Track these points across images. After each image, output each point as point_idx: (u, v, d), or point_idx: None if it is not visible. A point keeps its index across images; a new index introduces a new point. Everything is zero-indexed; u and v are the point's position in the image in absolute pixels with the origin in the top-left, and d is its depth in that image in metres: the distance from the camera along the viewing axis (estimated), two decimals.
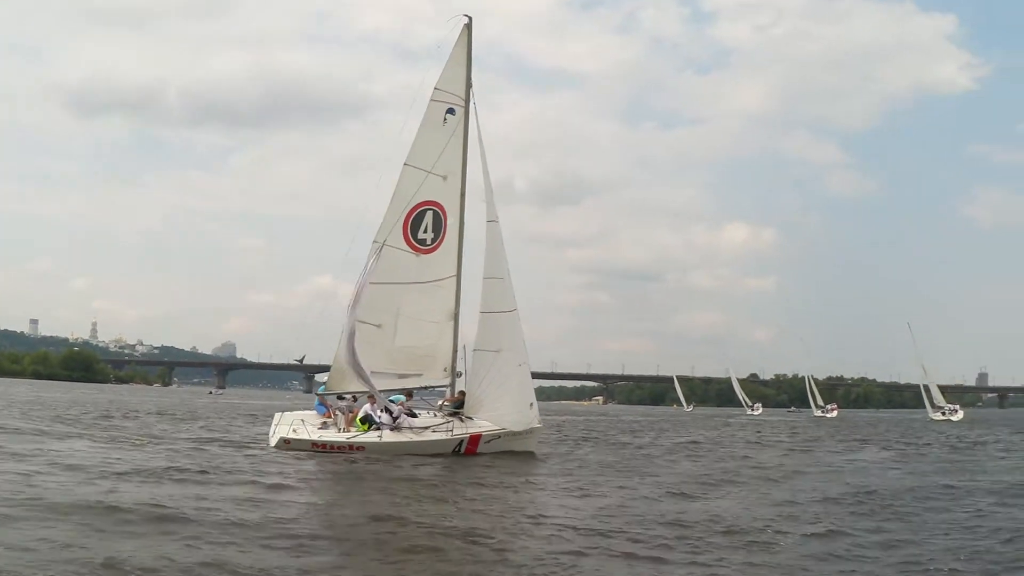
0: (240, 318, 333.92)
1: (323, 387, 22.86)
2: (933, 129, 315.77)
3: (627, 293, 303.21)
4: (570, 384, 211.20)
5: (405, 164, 21.94)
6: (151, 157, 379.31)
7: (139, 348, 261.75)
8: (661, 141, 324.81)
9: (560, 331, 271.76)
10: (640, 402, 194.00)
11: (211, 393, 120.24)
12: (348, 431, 20.71)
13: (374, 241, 21.58)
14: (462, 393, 21.89)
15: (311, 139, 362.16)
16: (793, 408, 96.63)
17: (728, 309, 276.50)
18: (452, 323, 22.54)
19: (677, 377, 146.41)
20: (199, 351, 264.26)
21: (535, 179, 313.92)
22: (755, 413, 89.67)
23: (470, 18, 22.43)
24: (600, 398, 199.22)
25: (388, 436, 20.07)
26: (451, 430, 20.51)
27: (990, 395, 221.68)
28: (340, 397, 22.36)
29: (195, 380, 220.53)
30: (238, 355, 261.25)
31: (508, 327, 21.56)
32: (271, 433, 21.53)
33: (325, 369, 23.11)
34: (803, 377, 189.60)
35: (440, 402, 22.53)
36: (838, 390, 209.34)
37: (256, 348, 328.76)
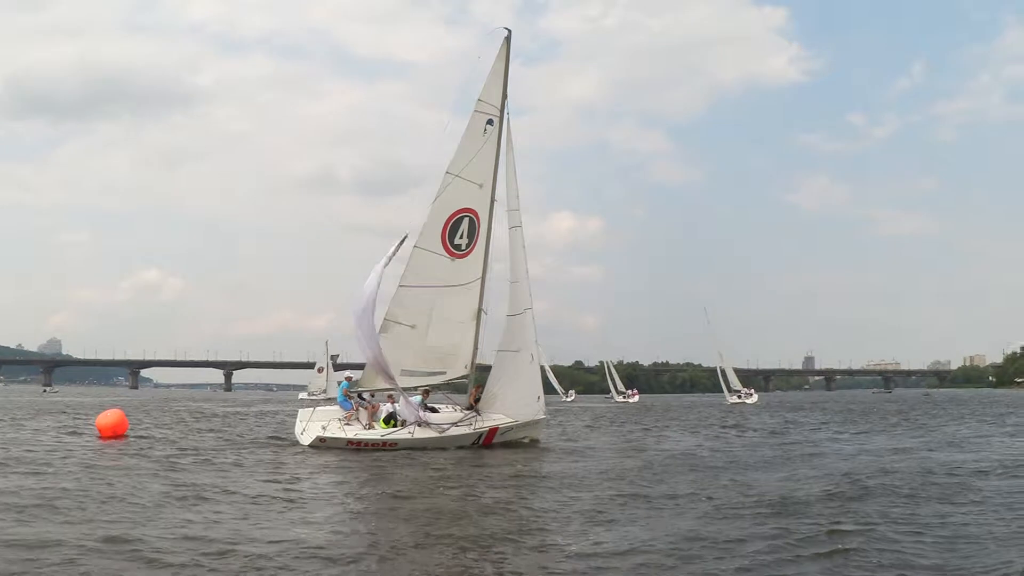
0: (64, 314, 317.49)
1: (345, 384, 23.53)
2: (760, 119, 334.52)
3: None
4: None
5: (447, 172, 22.88)
6: None
7: None
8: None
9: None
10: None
11: (45, 391, 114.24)
12: (371, 427, 21.92)
13: (415, 246, 22.59)
14: (479, 387, 23.28)
15: (135, 131, 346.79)
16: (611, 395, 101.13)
17: (555, 298, 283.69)
18: (475, 322, 23.68)
19: None
20: (24, 348, 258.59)
21: (359, 169, 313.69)
22: (568, 399, 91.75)
23: (509, 31, 23.44)
24: None
25: (418, 432, 21.45)
26: (473, 425, 22.08)
27: (817, 378, 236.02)
28: (360, 396, 23.22)
29: (22, 378, 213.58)
30: (64, 352, 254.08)
31: (526, 327, 23.12)
32: (300, 431, 22.23)
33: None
34: (632, 363, 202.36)
35: (469, 396, 23.49)
36: (663, 375, 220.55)
37: (82, 344, 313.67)
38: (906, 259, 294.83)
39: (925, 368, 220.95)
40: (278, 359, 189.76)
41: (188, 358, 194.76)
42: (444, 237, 22.96)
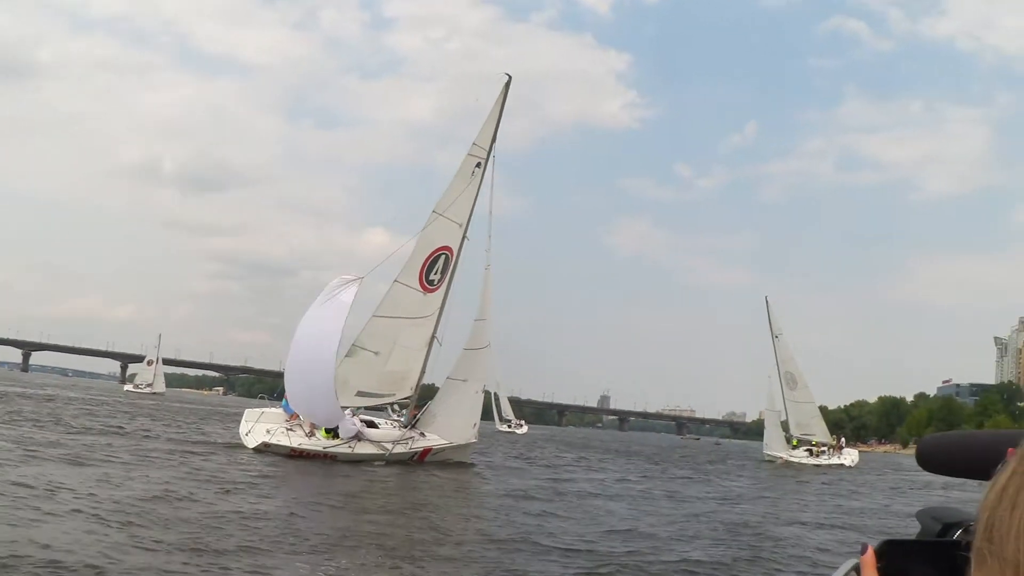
0: None
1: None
2: (589, 160, 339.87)
3: (260, 286, 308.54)
4: (192, 372, 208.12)
5: (434, 212, 23.75)
6: None
7: None
8: (317, 140, 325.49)
9: (187, 318, 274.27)
10: (259, 396, 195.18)
11: None
12: (313, 435, 23.10)
13: (396, 280, 23.55)
14: (418, 408, 25.20)
15: None
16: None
17: (356, 313, 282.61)
18: (426, 349, 24.74)
19: None
20: None
21: (184, 163, 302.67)
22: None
23: (510, 77, 24.52)
24: (221, 389, 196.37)
25: (359, 447, 22.87)
26: (410, 444, 23.81)
27: (611, 417, 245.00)
28: None
29: None
30: None
31: (480, 361, 24.82)
32: (245, 432, 23.04)
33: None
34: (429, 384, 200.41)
35: (406, 415, 25.25)
36: None
37: None
38: (714, 309, 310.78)
39: (719, 418, 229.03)
40: (79, 344, 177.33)
41: None
42: (422, 273, 23.99)
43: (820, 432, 54.14)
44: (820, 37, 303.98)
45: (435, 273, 23.81)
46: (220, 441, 24.67)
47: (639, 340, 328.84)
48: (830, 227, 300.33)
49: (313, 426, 23.04)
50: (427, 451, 23.84)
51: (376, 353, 23.66)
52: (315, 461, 21.74)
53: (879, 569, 0.89)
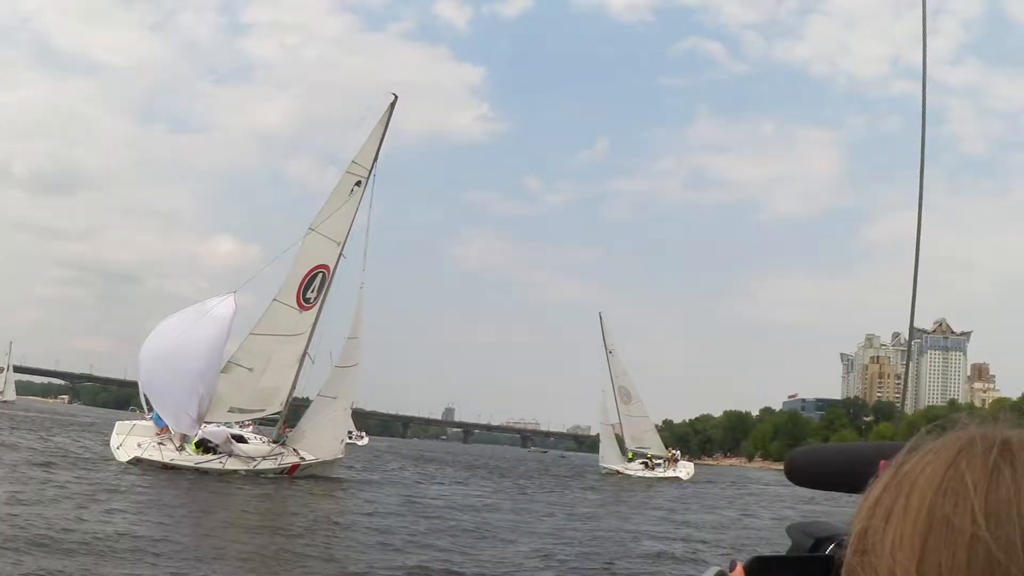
0: None
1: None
2: (437, 171, 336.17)
3: (106, 292, 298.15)
4: (37, 380, 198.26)
5: (311, 229, 23.77)
6: None
7: None
8: (168, 144, 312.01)
9: (32, 324, 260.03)
10: (105, 405, 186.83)
11: None
12: (183, 448, 23.27)
13: (275, 299, 23.37)
14: (286, 423, 25.74)
15: None
16: None
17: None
18: (297, 366, 24.82)
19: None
20: None
21: (33, 166, 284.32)
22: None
23: (396, 96, 24.83)
24: (66, 397, 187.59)
25: (229, 463, 23.09)
26: (278, 460, 24.19)
27: (455, 429, 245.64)
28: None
29: None
30: None
31: (350, 378, 25.06)
32: (117, 445, 23.02)
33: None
34: None
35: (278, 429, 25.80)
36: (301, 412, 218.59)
37: None
38: (558, 324, 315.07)
39: (564, 431, 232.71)
40: None
41: None
42: (299, 291, 23.98)
43: (655, 445, 56.10)
44: (675, 57, 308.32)
45: (312, 291, 23.95)
46: (88, 456, 24.06)
47: (484, 353, 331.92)
48: (677, 245, 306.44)
49: (183, 439, 23.09)
50: (296, 466, 24.10)
51: (250, 369, 23.77)
52: (186, 475, 21.63)
53: None
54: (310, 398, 25.96)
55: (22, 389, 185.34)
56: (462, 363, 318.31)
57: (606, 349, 57.00)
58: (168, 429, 23.45)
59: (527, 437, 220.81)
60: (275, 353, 24.08)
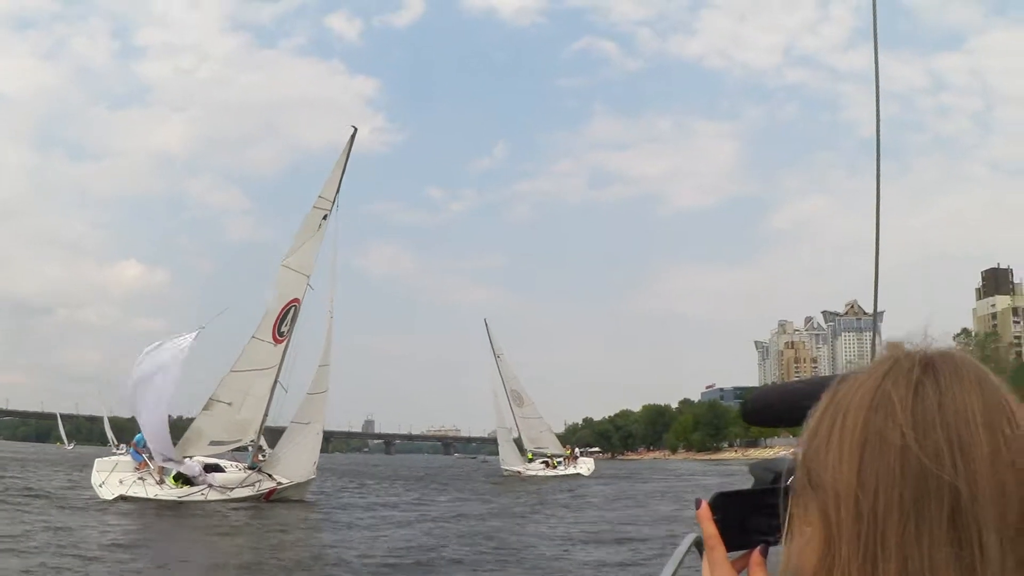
0: None
1: (139, 438, 24.83)
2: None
3: (15, 325, 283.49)
4: None
5: (284, 265, 24.35)
6: None
7: None
8: (66, 172, 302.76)
9: None
10: (25, 438, 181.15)
11: None
12: (162, 481, 23.95)
13: (254, 336, 23.87)
14: (261, 449, 26.45)
15: None
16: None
17: (115, 348, 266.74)
18: (269, 396, 25.44)
19: (61, 415, 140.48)
20: None
21: None
22: (120, 453, 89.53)
23: (355, 128, 25.52)
24: None
25: (211, 494, 23.87)
26: (256, 486, 24.96)
27: (377, 441, 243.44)
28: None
29: None
30: None
31: (320, 404, 25.93)
32: (99, 483, 23.26)
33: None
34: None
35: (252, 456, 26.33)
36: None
37: None
38: (468, 329, 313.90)
39: (486, 435, 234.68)
40: None
41: None
42: (275, 327, 24.49)
43: (552, 445, 57.81)
44: (569, 58, 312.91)
45: (285, 325, 24.61)
46: (61, 494, 23.95)
47: (399, 363, 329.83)
48: (582, 244, 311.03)
49: (162, 472, 23.59)
50: (272, 491, 24.81)
51: (229, 404, 24.57)
52: (177, 510, 22.04)
53: (716, 522, 0.89)
54: (284, 426, 26.49)
55: None
56: (378, 374, 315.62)
57: (494, 354, 58.28)
58: (146, 464, 23.85)
59: (449, 444, 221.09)
60: (251, 387, 24.81)
